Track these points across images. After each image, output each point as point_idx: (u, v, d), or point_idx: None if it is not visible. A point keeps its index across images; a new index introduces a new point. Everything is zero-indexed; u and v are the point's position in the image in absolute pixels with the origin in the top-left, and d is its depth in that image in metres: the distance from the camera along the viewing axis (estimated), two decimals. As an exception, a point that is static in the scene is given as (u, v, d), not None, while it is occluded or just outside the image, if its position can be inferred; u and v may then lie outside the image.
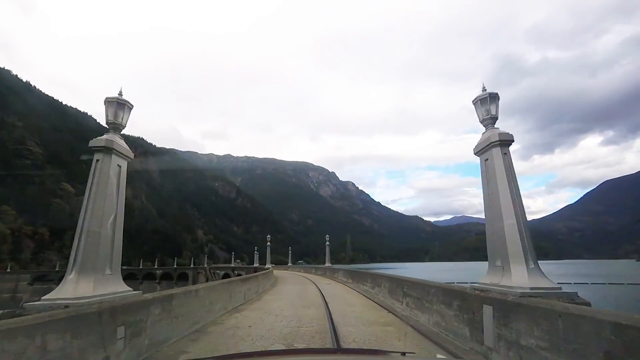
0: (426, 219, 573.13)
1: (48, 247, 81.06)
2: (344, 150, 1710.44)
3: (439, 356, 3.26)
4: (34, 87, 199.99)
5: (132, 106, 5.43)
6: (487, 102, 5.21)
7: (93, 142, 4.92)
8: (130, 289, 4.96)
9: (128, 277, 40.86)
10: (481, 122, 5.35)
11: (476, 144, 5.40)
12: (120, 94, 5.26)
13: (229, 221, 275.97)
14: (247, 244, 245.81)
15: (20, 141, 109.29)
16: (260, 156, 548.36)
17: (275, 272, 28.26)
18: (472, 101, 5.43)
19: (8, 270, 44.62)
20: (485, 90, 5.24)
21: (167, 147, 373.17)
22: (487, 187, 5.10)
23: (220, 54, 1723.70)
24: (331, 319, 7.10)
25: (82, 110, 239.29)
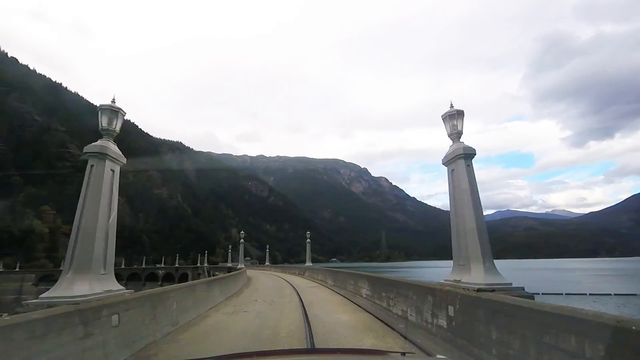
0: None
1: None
2: (375, 146, 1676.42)
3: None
4: (81, 97, 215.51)
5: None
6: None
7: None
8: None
9: (130, 278, 37.82)
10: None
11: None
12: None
13: (261, 219, 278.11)
14: (279, 242, 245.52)
15: (62, 144, 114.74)
16: (291, 155, 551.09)
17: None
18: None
19: (17, 269, 43.65)
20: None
21: (204, 150, 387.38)
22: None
23: (250, 58, 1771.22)
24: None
25: (126, 118, 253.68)
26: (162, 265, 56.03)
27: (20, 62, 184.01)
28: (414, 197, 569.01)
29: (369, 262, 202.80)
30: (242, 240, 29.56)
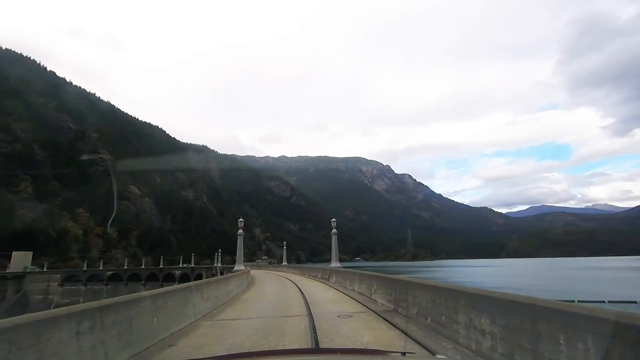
0: (497, 210, 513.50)
1: (115, 246, 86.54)
2: (398, 143, 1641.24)
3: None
4: (113, 105, 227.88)
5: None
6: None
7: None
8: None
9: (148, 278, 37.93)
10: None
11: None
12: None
13: (284, 219, 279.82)
14: (302, 241, 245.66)
15: (94, 150, 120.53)
16: (312, 155, 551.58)
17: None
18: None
19: (44, 269, 45.15)
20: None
21: (229, 153, 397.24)
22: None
23: (272, 60, 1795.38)
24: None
25: (154, 124, 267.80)
26: (180, 266, 56.34)
27: (57, 74, 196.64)
28: (439, 194, 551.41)
29: (394, 261, 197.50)
30: (240, 231, 24.62)
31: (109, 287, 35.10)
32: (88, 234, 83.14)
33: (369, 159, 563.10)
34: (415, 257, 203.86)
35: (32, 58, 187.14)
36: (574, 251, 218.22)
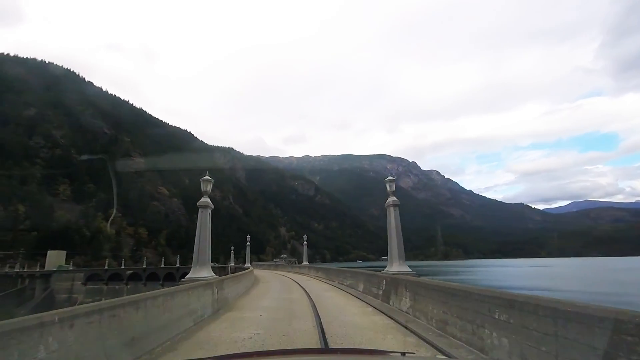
0: (534, 206, 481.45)
1: (145, 245, 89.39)
2: (424, 138, 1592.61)
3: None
4: (144, 111, 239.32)
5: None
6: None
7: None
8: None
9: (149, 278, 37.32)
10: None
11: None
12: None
13: (309, 218, 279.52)
14: (327, 240, 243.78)
15: (127, 153, 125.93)
16: (336, 153, 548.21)
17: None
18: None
19: (70, 268, 46.39)
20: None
21: (254, 154, 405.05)
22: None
23: (294, 61, 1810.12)
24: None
25: (182, 128, 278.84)
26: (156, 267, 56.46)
27: (94, 84, 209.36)
28: (470, 190, 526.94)
29: (423, 261, 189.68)
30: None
31: (129, 286, 35.18)
32: (120, 233, 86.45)
33: (393, 156, 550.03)
34: (446, 257, 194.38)
35: (72, 70, 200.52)
36: (625, 249, 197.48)
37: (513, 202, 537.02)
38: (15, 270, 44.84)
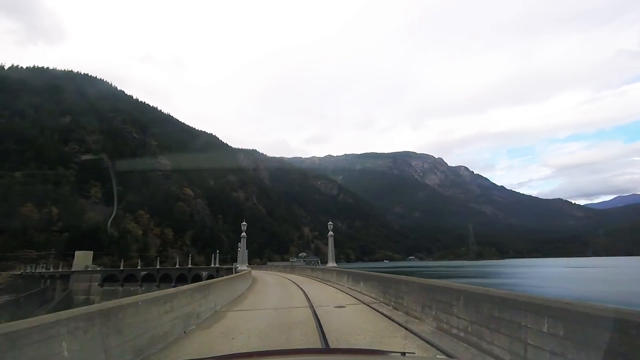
0: (574, 201, 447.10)
1: (171, 245, 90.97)
2: (451, 133, 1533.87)
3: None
4: (172, 116, 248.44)
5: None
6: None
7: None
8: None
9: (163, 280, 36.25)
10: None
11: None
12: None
13: (332, 217, 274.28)
14: (351, 239, 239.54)
15: (154, 156, 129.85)
16: (358, 152, 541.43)
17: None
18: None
19: (98, 268, 46.71)
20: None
21: (277, 156, 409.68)
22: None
23: (316, 61, 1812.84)
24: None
25: (208, 132, 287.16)
26: (211, 266, 55.15)
27: (126, 92, 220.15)
28: (502, 186, 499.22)
29: (454, 261, 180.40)
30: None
31: (143, 288, 34.43)
32: (147, 234, 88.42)
33: (418, 152, 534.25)
34: (480, 256, 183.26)
35: (104, 80, 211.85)
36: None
37: (550, 197, 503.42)
38: (39, 270, 46.27)
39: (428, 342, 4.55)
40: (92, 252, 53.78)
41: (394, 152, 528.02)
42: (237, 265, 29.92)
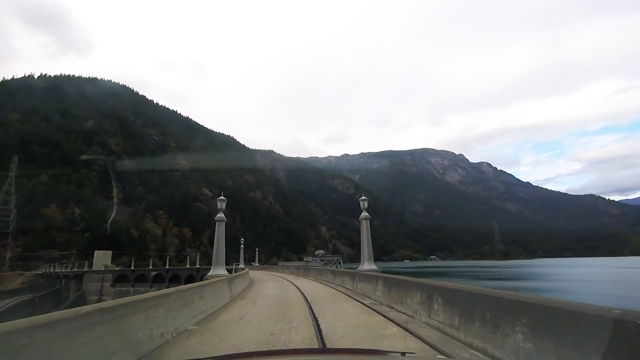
0: (607, 197, 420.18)
1: (190, 245, 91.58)
2: (473, 129, 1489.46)
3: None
4: (190, 119, 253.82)
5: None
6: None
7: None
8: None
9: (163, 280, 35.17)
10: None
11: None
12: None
13: (349, 217, 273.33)
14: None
15: (172, 157, 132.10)
16: (375, 150, 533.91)
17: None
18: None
19: (116, 268, 46.68)
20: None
21: (293, 156, 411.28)
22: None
23: (331, 60, 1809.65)
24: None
25: (226, 134, 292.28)
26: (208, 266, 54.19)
27: (147, 97, 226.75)
28: (527, 182, 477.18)
29: (479, 260, 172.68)
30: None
31: (153, 288, 33.68)
32: (166, 233, 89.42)
33: (438, 149, 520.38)
34: (506, 256, 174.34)
35: (127, 86, 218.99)
36: None
37: (580, 193, 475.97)
38: (55, 270, 47.06)
39: None
40: (110, 251, 54.42)
41: (412, 150, 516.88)
42: (241, 265, 28.15)
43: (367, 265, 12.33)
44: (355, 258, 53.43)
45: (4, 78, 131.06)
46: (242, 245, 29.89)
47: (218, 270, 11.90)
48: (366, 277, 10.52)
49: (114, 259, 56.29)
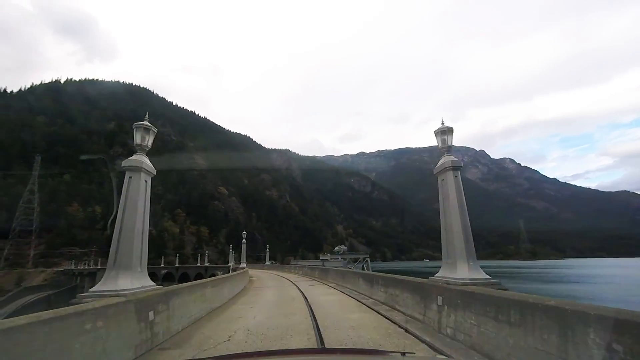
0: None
1: (207, 243, 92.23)
2: (494, 124, 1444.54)
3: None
4: (207, 119, 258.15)
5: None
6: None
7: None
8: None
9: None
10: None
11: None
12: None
13: (366, 215, 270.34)
14: (387, 237, 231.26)
15: (190, 157, 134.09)
16: (392, 148, 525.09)
17: None
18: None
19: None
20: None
21: (309, 155, 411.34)
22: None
23: (347, 58, 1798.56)
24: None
25: (242, 134, 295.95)
26: (226, 265, 53.67)
27: (166, 99, 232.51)
28: (554, 179, 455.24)
29: (504, 260, 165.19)
30: (243, 240, 22.09)
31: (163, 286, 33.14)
32: (184, 232, 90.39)
33: (457, 145, 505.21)
34: (535, 255, 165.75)
35: (147, 88, 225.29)
36: None
37: (613, 190, 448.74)
38: (71, 267, 47.96)
39: None
40: (128, 249, 54.83)
41: (430, 146, 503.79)
42: (231, 264, 26.11)
43: (466, 269, 5.45)
44: (371, 257, 47.58)
45: (32, 83, 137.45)
46: (244, 241, 25.96)
47: (109, 283, 8.58)
48: (474, 298, 4.49)
49: (132, 256, 56.76)
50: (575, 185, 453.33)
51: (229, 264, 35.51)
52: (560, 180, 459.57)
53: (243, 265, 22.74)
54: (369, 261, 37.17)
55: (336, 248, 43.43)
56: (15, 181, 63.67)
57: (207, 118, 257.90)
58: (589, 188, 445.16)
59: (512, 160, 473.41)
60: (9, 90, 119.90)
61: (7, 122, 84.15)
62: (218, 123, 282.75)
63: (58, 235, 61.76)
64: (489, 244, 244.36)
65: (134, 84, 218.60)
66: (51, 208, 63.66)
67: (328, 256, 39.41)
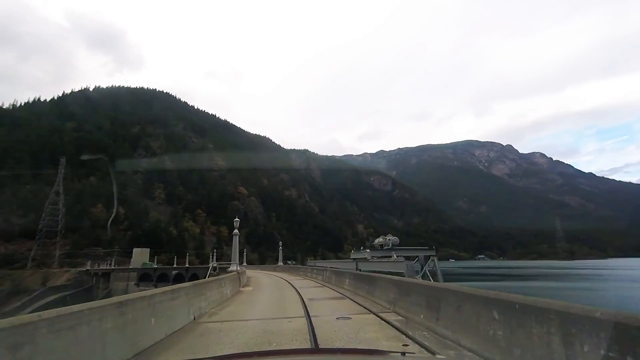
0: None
1: (226, 243, 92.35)
2: (523, 117, 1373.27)
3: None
4: (228, 122, 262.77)
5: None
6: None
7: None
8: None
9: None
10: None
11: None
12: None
13: (387, 214, 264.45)
14: (408, 236, 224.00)
15: (211, 158, 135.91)
16: (413, 145, 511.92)
17: None
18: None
19: (155, 265, 46.74)
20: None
21: (328, 154, 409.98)
22: None
23: (365, 55, 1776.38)
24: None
25: (262, 135, 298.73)
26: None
27: (188, 103, 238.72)
28: (590, 173, 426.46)
29: (539, 260, 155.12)
30: (236, 232, 18.20)
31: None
32: (204, 231, 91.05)
33: (482, 141, 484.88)
34: (573, 255, 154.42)
35: (170, 93, 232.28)
36: None
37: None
38: (91, 268, 48.69)
39: None
40: (148, 249, 55.56)
41: (453, 143, 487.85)
42: (214, 264, 23.39)
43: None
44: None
45: (63, 92, 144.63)
46: (235, 231, 18.88)
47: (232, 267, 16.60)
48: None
49: (154, 256, 57.39)
50: (613, 179, 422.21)
51: (210, 264, 30.18)
52: (596, 174, 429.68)
53: (234, 267, 16.50)
54: (436, 261, 19.62)
55: (376, 241, 25.36)
56: (43, 184, 66.36)
57: (228, 120, 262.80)
58: (630, 182, 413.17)
59: (543, 155, 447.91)
60: (42, 99, 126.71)
61: (38, 128, 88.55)
62: (238, 125, 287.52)
63: (83, 236, 63.73)
64: (519, 243, 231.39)
65: (157, 89, 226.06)
66: (76, 209, 65.84)
67: (366, 252, 23.61)
